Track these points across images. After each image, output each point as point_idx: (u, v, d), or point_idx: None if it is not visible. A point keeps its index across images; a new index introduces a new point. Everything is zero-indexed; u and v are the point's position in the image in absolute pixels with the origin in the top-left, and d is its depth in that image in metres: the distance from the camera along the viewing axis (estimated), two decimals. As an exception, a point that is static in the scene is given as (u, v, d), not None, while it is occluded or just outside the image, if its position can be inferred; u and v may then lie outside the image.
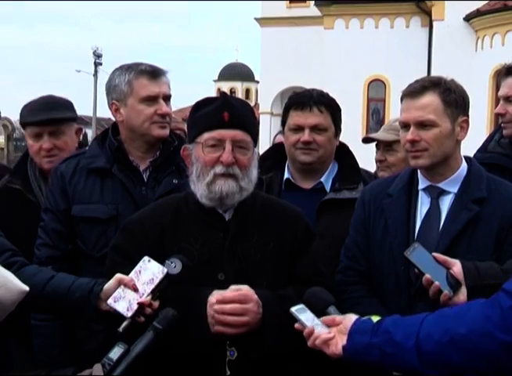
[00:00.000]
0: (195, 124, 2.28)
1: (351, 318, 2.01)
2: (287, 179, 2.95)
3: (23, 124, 3.19)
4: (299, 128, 2.83)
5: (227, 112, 2.19)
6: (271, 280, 2.22)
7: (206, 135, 2.21)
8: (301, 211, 2.42)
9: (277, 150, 3.07)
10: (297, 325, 2.02)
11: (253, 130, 2.29)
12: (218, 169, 2.19)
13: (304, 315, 2.01)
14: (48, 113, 3.09)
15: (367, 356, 1.92)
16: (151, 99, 2.73)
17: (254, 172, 2.27)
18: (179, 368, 2.19)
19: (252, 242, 2.25)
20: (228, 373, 2.17)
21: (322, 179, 2.91)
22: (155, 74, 2.76)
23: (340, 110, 2.93)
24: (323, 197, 2.83)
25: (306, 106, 2.82)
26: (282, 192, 2.91)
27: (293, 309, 2.02)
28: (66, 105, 3.22)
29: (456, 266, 2.18)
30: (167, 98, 2.79)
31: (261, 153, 3.00)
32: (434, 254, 2.21)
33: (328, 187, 2.90)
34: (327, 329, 2.00)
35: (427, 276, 2.15)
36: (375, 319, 1.98)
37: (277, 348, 2.16)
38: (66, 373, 2.02)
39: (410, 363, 1.87)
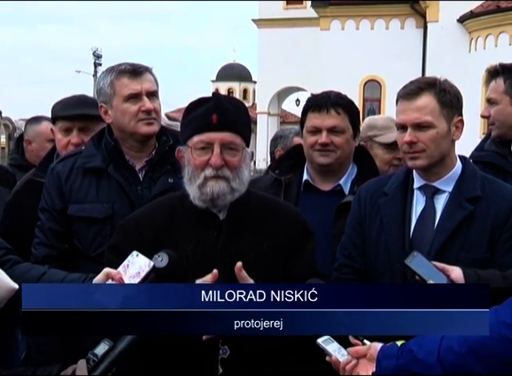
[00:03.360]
0: (186, 126, 2.29)
1: (376, 346, 2.03)
2: (306, 181, 2.95)
3: (54, 118, 3.24)
4: (317, 130, 2.83)
5: (216, 114, 2.19)
6: (265, 279, 2.20)
7: (195, 139, 2.22)
8: (297, 210, 2.42)
9: (296, 151, 3.06)
10: (327, 358, 2.06)
11: (244, 130, 2.28)
12: (208, 172, 2.20)
13: (330, 346, 2.05)
14: (80, 109, 3.15)
15: None
16: (134, 97, 2.72)
17: (245, 173, 2.27)
18: (171, 366, 2.19)
19: (246, 241, 2.25)
20: (221, 371, 2.17)
21: (341, 182, 2.90)
22: (135, 72, 2.74)
23: (358, 112, 2.94)
24: (342, 200, 2.83)
25: (323, 108, 2.82)
26: (301, 193, 2.92)
27: (320, 341, 2.05)
28: (98, 104, 3.27)
29: (454, 272, 2.18)
30: (151, 94, 2.76)
31: (257, 153, 3.00)
32: (433, 262, 2.21)
33: (347, 190, 2.89)
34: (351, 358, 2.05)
35: (431, 281, 2.14)
36: (399, 343, 2.00)
37: (270, 345, 2.13)
38: (51, 370, 2.01)
39: None
